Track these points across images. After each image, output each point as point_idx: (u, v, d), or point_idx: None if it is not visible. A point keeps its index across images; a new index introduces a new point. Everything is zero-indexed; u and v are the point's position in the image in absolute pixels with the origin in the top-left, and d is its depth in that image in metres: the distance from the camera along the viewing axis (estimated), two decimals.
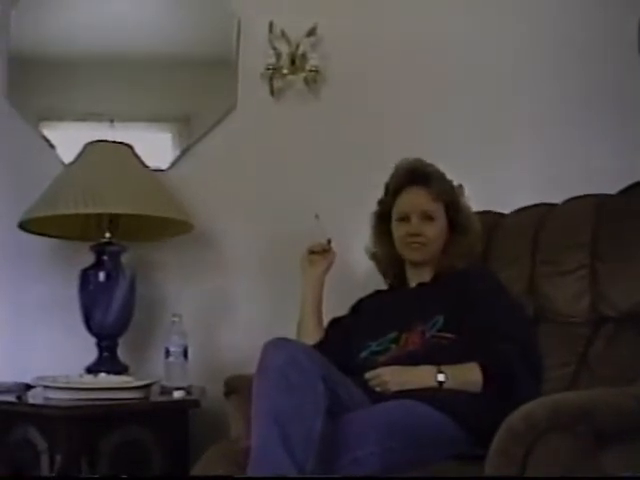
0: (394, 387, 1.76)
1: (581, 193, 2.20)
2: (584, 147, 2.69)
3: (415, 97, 2.75)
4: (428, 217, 2.09)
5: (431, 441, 1.60)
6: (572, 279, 2.07)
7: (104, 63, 2.76)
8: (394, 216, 2.15)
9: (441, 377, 1.77)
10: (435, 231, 2.08)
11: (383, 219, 2.20)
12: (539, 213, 2.24)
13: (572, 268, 2.08)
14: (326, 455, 1.50)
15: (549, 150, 2.72)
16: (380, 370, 1.82)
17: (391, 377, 1.79)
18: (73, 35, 2.77)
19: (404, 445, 1.54)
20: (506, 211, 2.35)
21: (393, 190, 2.16)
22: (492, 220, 2.31)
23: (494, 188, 2.57)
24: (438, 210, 2.10)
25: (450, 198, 2.13)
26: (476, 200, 2.20)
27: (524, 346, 1.83)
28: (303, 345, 1.81)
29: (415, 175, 2.13)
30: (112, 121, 2.74)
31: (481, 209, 2.25)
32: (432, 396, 1.70)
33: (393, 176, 2.18)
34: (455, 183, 2.16)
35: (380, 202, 2.22)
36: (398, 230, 2.12)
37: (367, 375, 1.82)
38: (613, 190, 2.13)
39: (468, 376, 1.78)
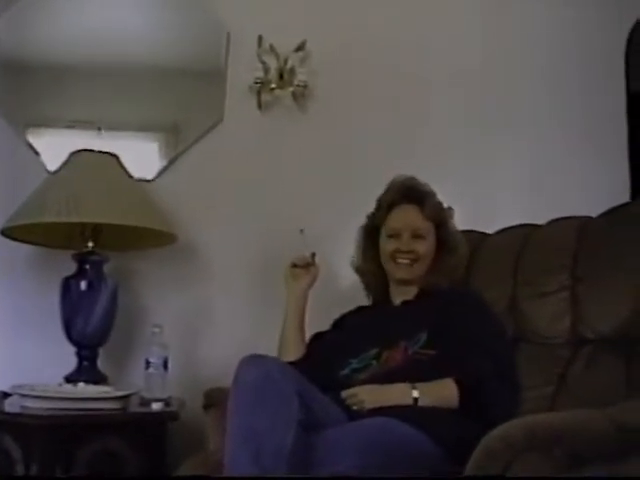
0: (370, 405, 1.77)
1: (564, 215, 2.21)
2: (569, 169, 2.71)
3: (402, 114, 2.77)
4: (419, 236, 2.10)
5: (407, 458, 1.59)
6: (553, 300, 2.08)
7: (93, 72, 2.75)
8: (384, 232, 2.15)
9: (415, 393, 1.78)
10: (425, 249, 2.09)
11: (371, 234, 2.20)
12: (522, 234, 2.25)
13: (553, 289, 2.08)
14: (301, 470, 1.50)
15: (534, 171, 2.75)
16: (356, 389, 1.83)
17: (367, 396, 1.79)
18: (62, 43, 2.77)
19: (380, 463, 1.53)
20: (490, 231, 2.36)
21: (386, 205, 2.17)
22: (476, 240, 2.31)
23: (478, 208, 2.58)
24: (429, 229, 2.11)
25: (440, 219, 2.14)
26: (460, 219, 2.20)
27: (501, 363, 1.84)
28: (278, 361, 1.81)
29: (409, 193, 2.14)
30: (99, 129, 2.74)
31: (465, 228, 2.25)
32: (408, 413, 1.70)
33: (387, 192, 2.18)
34: (445, 205, 2.17)
35: (370, 216, 2.22)
36: (388, 246, 2.12)
37: (343, 394, 1.82)
38: (596, 212, 2.15)
39: (442, 392, 1.79)
